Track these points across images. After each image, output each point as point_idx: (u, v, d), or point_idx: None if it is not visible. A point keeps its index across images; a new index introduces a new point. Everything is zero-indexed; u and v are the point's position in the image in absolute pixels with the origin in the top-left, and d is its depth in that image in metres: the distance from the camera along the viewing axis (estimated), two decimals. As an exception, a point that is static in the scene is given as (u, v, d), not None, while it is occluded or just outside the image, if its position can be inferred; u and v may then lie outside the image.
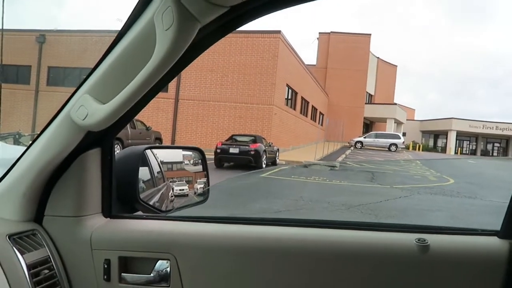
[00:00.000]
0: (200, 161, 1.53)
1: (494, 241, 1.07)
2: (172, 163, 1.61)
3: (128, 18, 0.87)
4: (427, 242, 1.04)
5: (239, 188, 10.84)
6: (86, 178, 1.11)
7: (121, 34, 0.89)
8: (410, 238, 1.06)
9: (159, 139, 19.93)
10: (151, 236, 1.13)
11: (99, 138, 1.09)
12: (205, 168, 1.51)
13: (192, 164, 1.55)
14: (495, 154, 47.70)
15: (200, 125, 22.83)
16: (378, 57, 48.02)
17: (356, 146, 35.43)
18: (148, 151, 1.40)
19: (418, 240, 1.05)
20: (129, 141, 16.35)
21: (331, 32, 42.31)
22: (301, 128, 30.00)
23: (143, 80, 0.85)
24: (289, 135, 26.11)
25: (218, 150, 15.17)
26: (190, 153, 1.55)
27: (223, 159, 15.34)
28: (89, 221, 1.13)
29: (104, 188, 1.16)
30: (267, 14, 0.88)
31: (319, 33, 43.07)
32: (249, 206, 8.01)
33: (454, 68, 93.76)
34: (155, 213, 1.31)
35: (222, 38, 0.95)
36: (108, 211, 1.18)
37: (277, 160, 17.80)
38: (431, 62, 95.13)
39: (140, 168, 1.30)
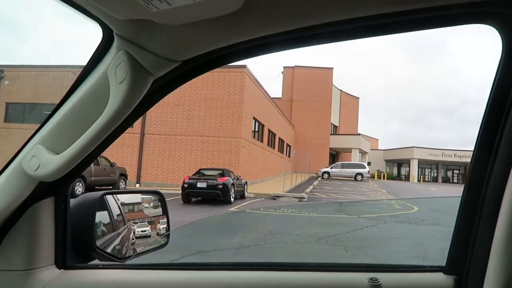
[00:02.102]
0: (160, 204, 1.51)
1: (439, 277, 1.11)
2: (133, 204, 1.58)
3: (82, 71, 0.88)
4: (379, 282, 1.07)
5: (207, 224, 10.64)
6: (38, 229, 1.07)
7: (75, 86, 0.90)
8: (362, 278, 1.09)
9: (124, 175, 19.39)
10: (107, 286, 1.10)
11: (52, 187, 1.07)
12: (165, 211, 1.49)
13: (152, 207, 1.53)
14: (455, 180, 49.60)
15: (166, 160, 22.51)
16: (341, 90, 49.79)
17: (323, 176, 35.95)
18: (109, 195, 1.37)
19: (371, 279, 1.08)
20: (93, 178, 15.82)
21: (295, 66, 43.70)
22: (269, 160, 30.20)
23: (97, 131, 0.86)
24: (257, 167, 26.18)
25: (186, 185, 14.94)
26: (150, 196, 1.53)
27: (191, 194, 15.10)
28: (41, 274, 1.08)
29: (58, 238, 1.12)
30: (217, 67, 0.92)
31: (284, 67, 44.42)
32: (217, 242, 7.86)
33: (412, 98, 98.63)
34: (113, 260, 1.27)
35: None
36: (62, 262, 1.14)
37: (246, 193, 17.72)
38: (390, 93, 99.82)
39: (100, 213, 1.27)
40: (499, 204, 0.94)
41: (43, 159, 0.92)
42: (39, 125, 0.98)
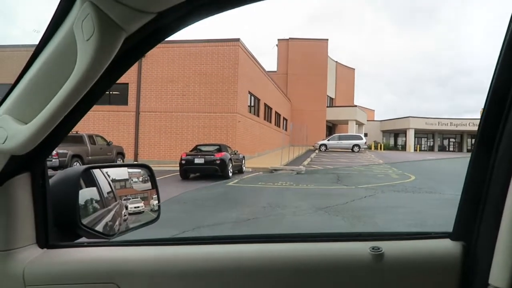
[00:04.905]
0: (149, 178, 1.44)
1: (447, 243, 1.05)
2: (124, 180, 1.52)
3: (47, 29, 0.78)
4: (381, 250, 1.02)
5: (205, 199, 10.67)
6: (14, 206, 1.00)
7: (39, 47, 0.80)
8: (364, 247, 1.04)
9: (121, 153, 19.35)
10: (92, 265, 1.04)
11: (27, 162, 0.99)
12: (154, 185, 1.43)
13: (142, 181, 1.46)
14: (451, 149, 49.89)
15: (163, 137, 22.41)
16: (336, 61, 49.23)
17: (321, 149, 36.07)
18: (97, 170, 1.30)
19: (373, 248, 1.03)
20: (90, 157, 15.78)
21: (290, 38, 42.97)
22: (266, 135, 30.15)
23: (67, 95, 0.77)
24: (254, 142, 26.15)
25: (183, 161, 14.93)
26: (138, 170, 1.46)
27: (189, 170, 15.11)
28: (21, 254, 1.02)
29: (38, 215, 1.05)
30: (198, 21, 0.82)
31: (278, 39, 43.68)
32: (216, 216, 7.89)
33: (403, 69, 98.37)
34: (101, 238, 1.21)
35: (177, 47, 0.88)
36: (44, 241, 1.07)
37: (244, 167, 17.75)
38: (383, 64, 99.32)
39: (88, 189, 1.20)
40: None
41: (11, 130, 0.84)
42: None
